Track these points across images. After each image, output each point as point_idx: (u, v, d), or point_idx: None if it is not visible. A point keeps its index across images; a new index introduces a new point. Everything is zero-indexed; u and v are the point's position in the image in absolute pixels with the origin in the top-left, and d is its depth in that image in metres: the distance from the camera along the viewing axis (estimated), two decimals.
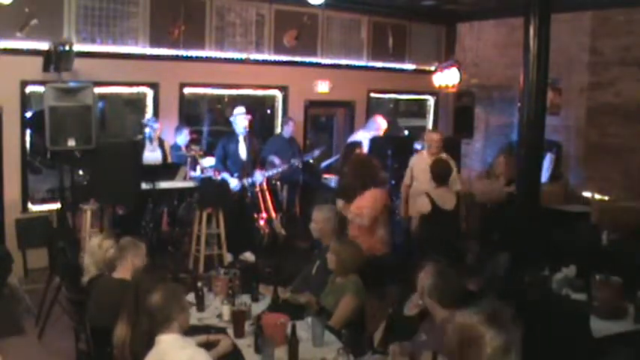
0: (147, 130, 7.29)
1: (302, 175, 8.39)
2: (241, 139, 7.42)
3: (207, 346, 3.42)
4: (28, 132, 6.85)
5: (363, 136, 8.28)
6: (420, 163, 6.58)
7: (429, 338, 3.43)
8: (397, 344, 3.44)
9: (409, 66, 9.98)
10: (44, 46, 6.47)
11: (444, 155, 6.67)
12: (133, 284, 3.43)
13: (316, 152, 8.18)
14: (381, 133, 8.39)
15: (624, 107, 7.93)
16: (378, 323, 4.01)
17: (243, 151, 7.43)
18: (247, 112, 7.50)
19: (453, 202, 5.64)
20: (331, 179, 8.33)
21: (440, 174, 5.67)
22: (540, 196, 6.01)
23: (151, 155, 7.19)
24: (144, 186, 6.49)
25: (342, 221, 5.46)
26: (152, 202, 6.93)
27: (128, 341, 3.25)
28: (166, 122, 7.76)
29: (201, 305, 4.14)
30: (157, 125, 7.33)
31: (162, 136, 7.54)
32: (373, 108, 9.94)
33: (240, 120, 7.39)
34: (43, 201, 7.43)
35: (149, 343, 2.99)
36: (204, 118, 11.13)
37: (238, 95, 9.13)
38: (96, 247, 4.30)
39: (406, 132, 10.78)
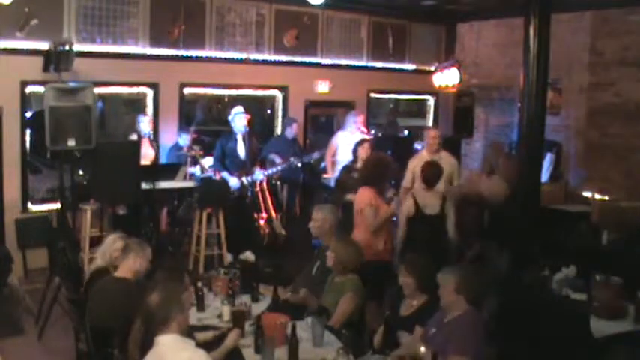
0: (146, 129, 7.28)
1: (302, 175, 8.38)
2: (240, 138, 7.42)
3: (214, 343, 3.44)
4: (28, 132, 6.85)
5: (343, 137, 8.18)
6: (421, 163, 6.51)
7: (440, 332, 3.46)
8: (397, 355, 3.47)
9: (409, 66, 9.98)
10: (44, 46, 6.48)
11: (443, 153, 6.64)
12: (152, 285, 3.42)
13: (316, 155, 8.16)
14: (361, 127, 8.33)
15: (624, 107, 7.93)
16: (377, 324, 4.04)
17: (242, 150, 7.43)
18: (245, 112, 7.49)
19: (437, 207, 5.52)
20: (331, 179, 8.32)
21: (431, 178, 5.58)
22: (540, 196, 6.01)
23: (148, 151, 7.19)
24: (144, 186, 6.49)
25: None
26: (152, 202, 6.93)
27: (139, 341, 3.25)
28: (166, 122, 7.76)
29: (201, 305, 4.14)
30: (145, 118, 7.31)
31: (162, 136, 7.54)
32: (373, 108, 9.94)
33: (238, 119, 7.39)
34: (43, 201, 7.43)
35: (150, 343, 2.99)
36: (204, 118, 11.15)
37: (238, 95, 9.13)
38: (111, 241, 4.34)
39: (406, 132, 10.77)
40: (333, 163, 8.17)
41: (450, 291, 3.50)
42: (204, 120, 11.36)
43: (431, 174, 5.58)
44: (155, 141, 7.50)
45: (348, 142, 7.76)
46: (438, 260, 4.09)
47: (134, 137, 7.23)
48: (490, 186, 6.65)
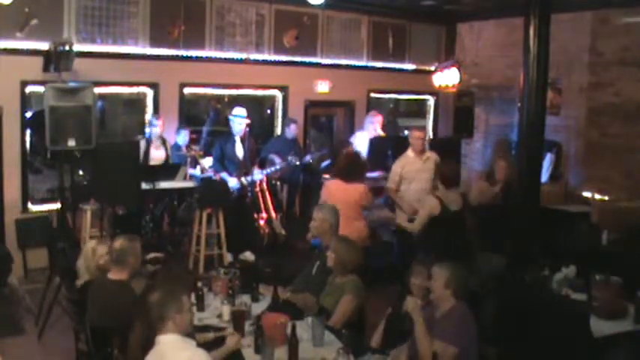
0: (150, 129, 7.29)
1: (302, 175, 8.39)
2: (237, 139, 7.43)
3: (214, 343, 3.43)
4: (28, 132, 6.85)
5: (361, 137, 8.26)
6: (411, 164, 6.49)
7: (431, 331, 3.48)
8: (397, 349, 3.48)
9: (409, 66, 9.98)
10: (44, 46, 6.48)
11: (429, 153, 6.63)
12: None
13: (324, 151, 8.22)
14: (378, 127, 8.38)
15: (624, 107, 7.93)
16: (377, 323, 4.04)
17: (240, 151, 7.43)
18: (246, 116, 7.48)
19: (460, 202, 5.61)
20: None
21: (450, 177, 5.67)
22: (540, 196, 6.00)
23: (157, 153, 7.22)
24: (144, 186, 6.49)
25: None
26: (152, 202, 6.93)
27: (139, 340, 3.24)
28: (166, 122, 7.75)
29: (201, 305, 4.14)
30: (158, 122, 7.33)
31: (163, 135, 7.54)
32: (373, 108, 9.93)
33: (238, 123, 7.39)
34: (43, 201, 7.43)
35: (151, 343, 2.99)
36: (204, 118, 11.13)
37: (238, 95, 9.13)
38: (90, 252, 4.29)
39: (406, 132, 10.77)
40: None
41: (440, 285, 3.57)
42: (218, 120, 11.33)
43: (449, 173, 5.67)
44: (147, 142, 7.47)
45: (365, 143, 7.85)
46: (457, 256, 4.12)
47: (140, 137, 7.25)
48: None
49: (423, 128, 8.05)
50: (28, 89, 6.79)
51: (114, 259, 3.95)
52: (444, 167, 5.88)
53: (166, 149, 7.41)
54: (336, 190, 5.70)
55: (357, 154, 6.22)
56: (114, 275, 3.93)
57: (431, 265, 3.85)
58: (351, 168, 5.80)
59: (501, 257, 5.62)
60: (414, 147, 6.57)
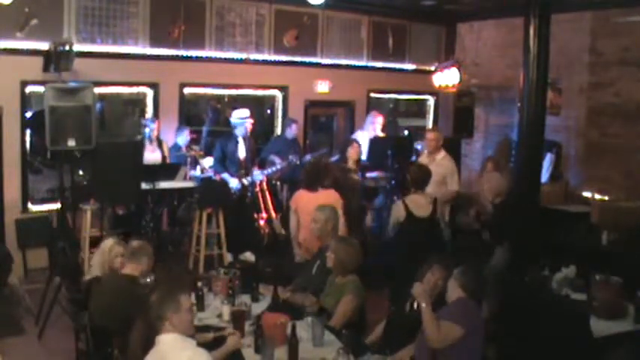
0: (146, 130, 7.30)
1: None
2: (240, 140, 7.43)
3: (214, 343, 3.44)
4: (28, 132, 6.85)
5: (362, 137, 8.28)
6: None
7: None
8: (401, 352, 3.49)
9: (409, 66, 9.98)
10: (44, 46, 6.48)
11: (440, 155, 6.66)
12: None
13: (324, 151, 8.24)
14: (378, 128, 8.40)
15: (624, 107, 7.93)
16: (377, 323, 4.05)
17: (241, 151, 7.42)
18: (250, 116, 7.48)
19: (428, 209, 5.50)
20: None
21: (418, 179, 5.57)
22: (540, 196, 6.00)
23: (151, 156, 7.20)
24: (144, 186, 6.49)
25: None
26: (152, 202, 6.93)
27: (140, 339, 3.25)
28: (166, 122, 7.76)
29: (201, 305, 4.15)
30: (153, 125, 7.32)
31: (162, 136, 7.54)
32: (373, 108, 9.93)
33: (242, 123, 7.38)
34: (43, 201, 7.43)
35: (151, 343, 2.99)
36: (204, 118, 11.13)
37: (238, 95, 9.11)
38: (107, 249, 4.30)
39: (406, 132, 10.78)
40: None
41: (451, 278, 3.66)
42: (217, 120, 11.32)
43: (418, 176, 5.58)
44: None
45: (365, 142, 7.87)
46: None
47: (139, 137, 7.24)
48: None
49: (436, 130, 8.03)
50: (28, 89, 6.78)
51: (130, 254, 4.01)
52: (412, 171, 5.74)
53: (163, 151, 7.39)
54: (306, 201, 5.53)
55: (316, 163, 6.08)
56: (128, 270, 3.97)
57: (450, 266, 3.88)
58: (311, 177, 5.67)
59: (503, 252, 5.61)
60: (427, 148, 6.78)
